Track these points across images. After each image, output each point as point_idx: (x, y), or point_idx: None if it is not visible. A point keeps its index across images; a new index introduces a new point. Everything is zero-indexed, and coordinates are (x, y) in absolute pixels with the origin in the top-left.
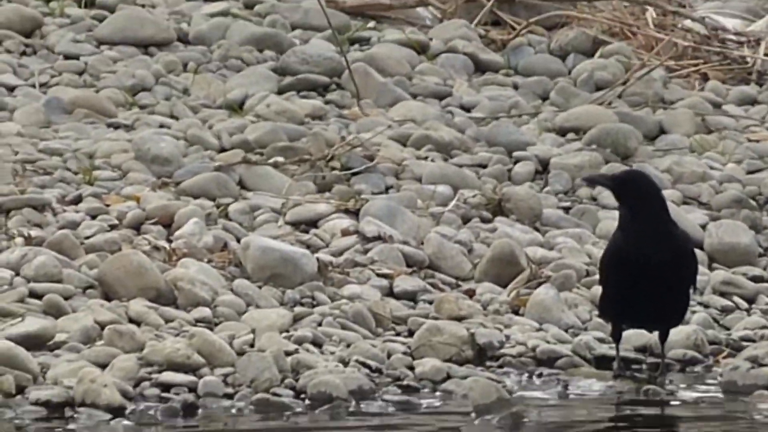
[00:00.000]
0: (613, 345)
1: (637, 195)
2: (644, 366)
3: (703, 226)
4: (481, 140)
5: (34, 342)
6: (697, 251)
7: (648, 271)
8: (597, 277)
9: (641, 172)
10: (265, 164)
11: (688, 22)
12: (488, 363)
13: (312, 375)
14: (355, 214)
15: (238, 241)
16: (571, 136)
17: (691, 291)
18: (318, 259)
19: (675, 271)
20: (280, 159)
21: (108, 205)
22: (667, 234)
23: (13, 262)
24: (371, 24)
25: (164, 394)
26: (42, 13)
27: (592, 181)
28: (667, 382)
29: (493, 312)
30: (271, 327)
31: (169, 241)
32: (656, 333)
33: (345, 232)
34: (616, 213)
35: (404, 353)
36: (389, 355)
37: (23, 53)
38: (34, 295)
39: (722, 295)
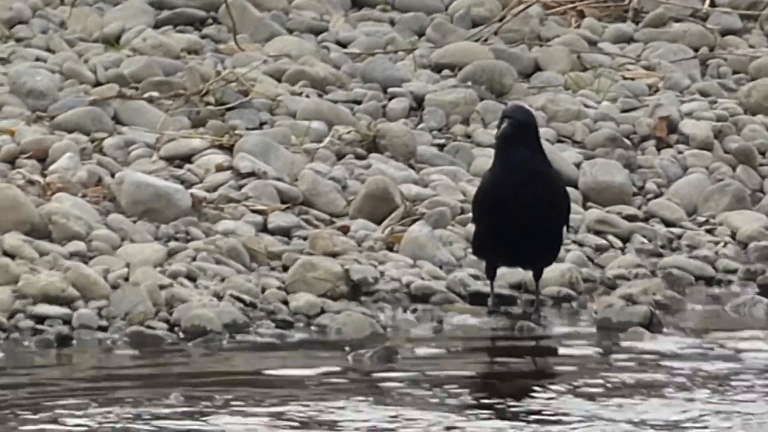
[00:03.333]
0: (488, 282)
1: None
2: (519, 303)
3: (578, 165)
4: (357, 76)
5: None
6: (571, 190)
7: (520, 208)
8: (471, 214)
9: (526, 107)
10: (140, 99)
11: None
12: (362, 298)
13: (186, 308)
14: (229, 149)
15: (113, 175)
16: (446, 72)
17: (564, 230)
18: (192, 194)
19: (547, 208)
20: (155, 94)
21: None
22: (540, 172)
23: None
24: None
25: (38, 326)
26: None
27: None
28: (541, 319)
29: (367, 248)
30: (145, 261)
31: (44, 176)
32: (530, 271)
33: (219, 168)
34: (491, 151)
35: (279, 288)
36: (263, 290)
37: None
38: None
39: (596, 233)
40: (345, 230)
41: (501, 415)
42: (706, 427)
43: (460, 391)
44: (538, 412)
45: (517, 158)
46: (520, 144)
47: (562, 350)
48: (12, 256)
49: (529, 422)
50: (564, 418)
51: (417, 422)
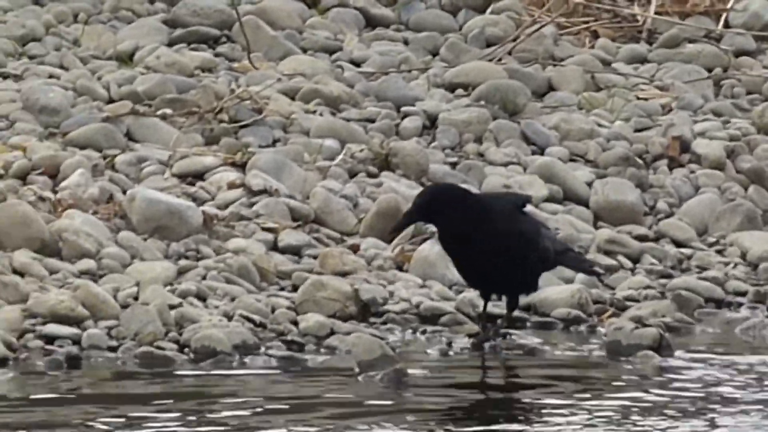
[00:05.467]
0: (499, 303)
1: (443, 211)
2: (528, 324)
3: (589, 184)
4: (370, 95)
5: None
6: (581, 209)
7: (468, 253)
8: None
9: (442, 186)
10: (154, 116)
11: None
12: (372, 319)
13: (196, 329)
14: (242, 167)
15: (124, 192)
16: (459, 92)
17: (536, 263)
18: (203, 212)
19: (485, 262)
20: (169, 111)
21: None
22: (468, 235)
23: None
24: None
25: (48, 346)
26: None
27: (400, 228)
28: (496, 346)
29: (377, 268)
30: (155, 280)
31: (55, 192)
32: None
33: (231, 185)
34: (503, 169)
35: (288, 308)
36: (273, 310)
37: None
38: None
39: (607, 253)
40: (355, 249)
41: None
42: None
43: (462, 415)
44: None
45: (446, 229)
46: (440, 218)
47: (571, 373)
48: (21, 274)
49: None
50: None
51: None
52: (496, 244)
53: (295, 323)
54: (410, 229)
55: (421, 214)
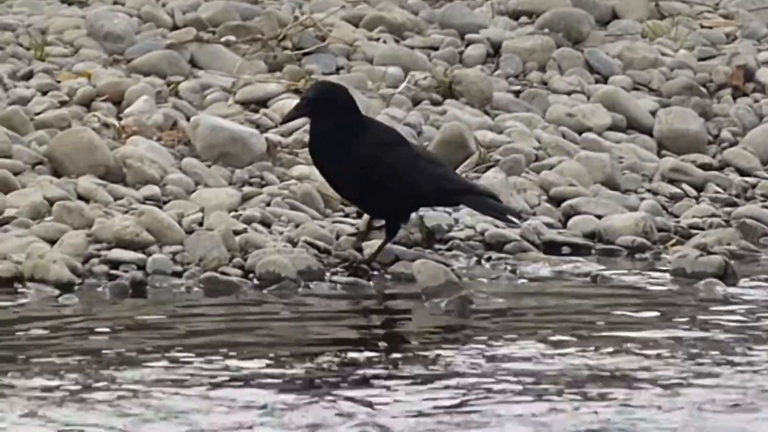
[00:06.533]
0: (563, 230)
1: (331, 110)
2: (593, 252)
3: (653, 113)
4: (434, 22)
5: None
6: (645, 138)
7: (326, 175)
8: (546, 161)
9: (336, 86)
10: (217, 43)
11: None
12: (437, 246)
13: (260, 254)
14: None
15: (188, 119)
16: (524, 19)
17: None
18: (267, 138)
19: (348, 178)
20: (232, 38)
21: (59, 82)
22: (338, 145)
23: None
24: None
25: (113, 271)
26: None
27: (290, 119)
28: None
29: None
30: (219, 206)
31: (119, 119)
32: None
33: None
34: (566, 98)
35: (353, 234)
36: (338, 237)
37: None
38: None
39: (671, 182)
40: None
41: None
42: None
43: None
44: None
45: (318, 131)
46: (321, 117)
47: (635, 299)
48: (86, 200)
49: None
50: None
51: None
52: (355, 162)
53: (360, 250)
54: (475, 156)
55: (313, 108)
